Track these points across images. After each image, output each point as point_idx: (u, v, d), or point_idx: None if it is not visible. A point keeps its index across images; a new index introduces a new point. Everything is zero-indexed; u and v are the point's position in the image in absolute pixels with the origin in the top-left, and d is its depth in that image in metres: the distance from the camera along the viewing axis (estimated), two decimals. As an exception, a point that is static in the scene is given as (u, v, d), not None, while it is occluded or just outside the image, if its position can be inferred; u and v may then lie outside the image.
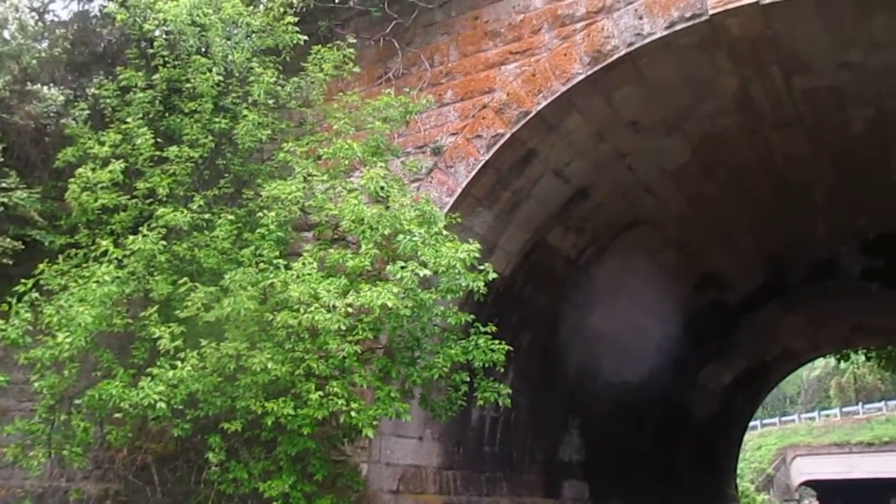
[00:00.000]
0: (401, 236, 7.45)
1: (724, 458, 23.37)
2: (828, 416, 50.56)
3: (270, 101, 9.03)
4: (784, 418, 55.33)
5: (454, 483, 10.04)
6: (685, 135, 10.37)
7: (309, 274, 7.29)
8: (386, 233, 7.58)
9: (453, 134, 9.51)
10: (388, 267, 7.42)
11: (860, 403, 49.78)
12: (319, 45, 9.42)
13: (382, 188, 7.99)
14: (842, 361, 33.34)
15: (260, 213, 8.19)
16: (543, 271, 11.26)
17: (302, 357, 7.31)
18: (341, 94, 9.22)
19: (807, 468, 46.51)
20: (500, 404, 8.35)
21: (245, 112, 8.80)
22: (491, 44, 9.57)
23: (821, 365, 53.06)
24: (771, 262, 14.96)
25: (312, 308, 7.00)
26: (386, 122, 8.91)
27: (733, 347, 18.50)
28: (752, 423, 34.91)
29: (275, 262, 7.70)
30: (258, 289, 7.45)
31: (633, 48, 8.54)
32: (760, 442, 49.44)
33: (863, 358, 28.26)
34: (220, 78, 9.02)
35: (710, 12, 8.15)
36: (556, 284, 11.74)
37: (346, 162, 8.54)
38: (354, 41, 9.59)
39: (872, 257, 14.58)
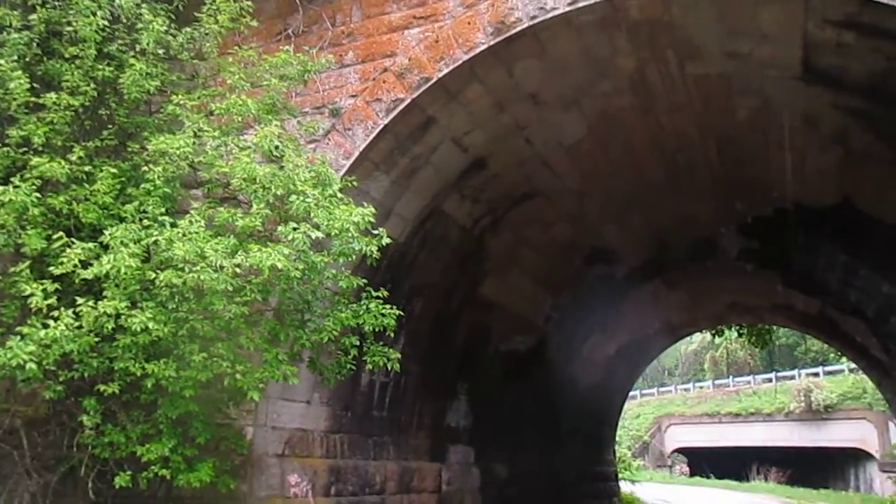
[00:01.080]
0: (294, 197, 7.29)
1: (605, 425, 24.36)
2: (701, 387, 53.49)
3: (160, 51, 8.57)
4: (662, 389, 58.21)
5: (341, 447, 10.04)
6: (582, 111, 10.57)
7: (196, 232, 7.03)
8: (278, 193, 7.39)
9: (353, 96, 9.35)
10: (280, 228, 7.26)
11: (731, 377, 52.90)
12: (216, -5, 9.01)
13: (277, 147, 7.78)
14: (716, 337, 35.32)
15: (145, 168, 7.81)
16: (438, 239, 11.31)
17: (186, 318, 7.08)
18: (237, 48, 8.85)
19: (680, 436, 49.23)
20: (390, 369, 8.37)
21: (132, 61, 8.31)
22: (395, 7, 9.41)
23: (698, 339, 55.98)
24: (657, 240, 15.55)
25: (198, 267, 6.77)
26: (283, 79, 8.64)
27: (618, 320, 19.21)
28: (632, 393, 36.50)
29: (160, 219, 7.39)
30: (141, 246, 7.13)
31: (535, 21, 8.58)
32: (639, 411, 51.89)
33: (735, 334, 29.98)
34: (106, 23, 8.45)
35: (611, -8, 8.27)
36: (451, 252, 11.82)
37: (240, 119, 8.26)
38: (253, -6, 9.23)
39: (749, 239, 15.38)
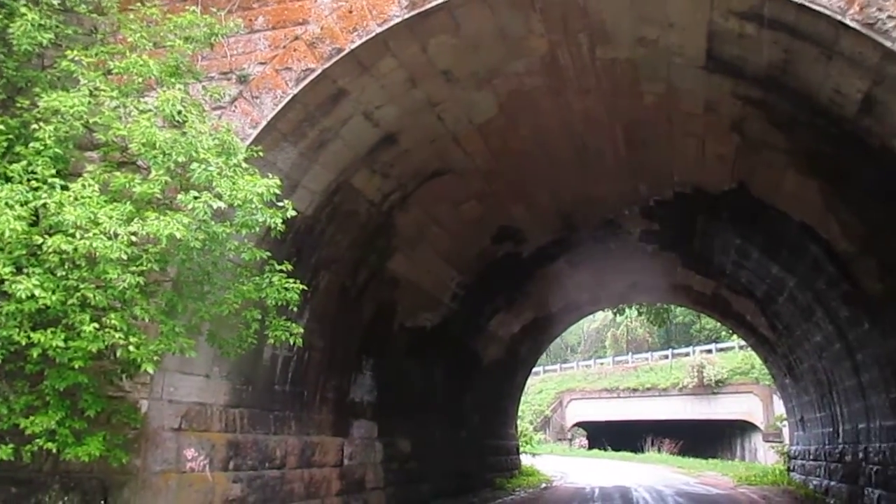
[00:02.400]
0: (196, 165, 7.04)
1: (508, 400, 24.84)
2: (602, 364, 55.21)
3: (55, 2, 8.08)
4: (564, 365, 59.78)
5: (241, 421, 9.86)
6: (494, 90, 10.60)
7: (89, 197, 6.72)
8: (180, 160, 7.12)
9: (262, 63, 9.08)
10: (180, 196, 7.01)
11: (630, 353, 54.77)
12: (117, -53, 8.54)
13: (179, 112, 7.48)
14: (618, 315, 36.50)
15: (35, 126, 7.38)
16: (347, 213, 11.18)
17: (76, 286, 6.76)
18: (140, 4, 8.44)
19: (580, 411, 50.75)
20: (293, 344, 8.25)
21: (23, 10, 7.80)
22: (309, -27, 9.16)
23: (600, 317, 57.58)
24: (563, 220, 15.85)
25: (91, 234, 6.47)
26: (188, 41, 8.29)
27: (523, 298, 19.54)
28: (535, 369, 37.34)
29: (50, 180, 7.03)
30: (28, 209, 6.77)
31: (450, -3, 8.52)
32: (542, 386, 53.16)
33: (636, 313, 31.05)
34: (-6, -33, 7.93)
35: (527, -28, 8.29)
36: (359, 227, 11.71)
37: (141, 80, 7.89)
38: (158, -52, 8.79)
39: (651, 221, 15.87)
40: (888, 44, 7.30)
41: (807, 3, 7.54)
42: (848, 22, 7.42)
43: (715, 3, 8.26)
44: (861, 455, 14.30)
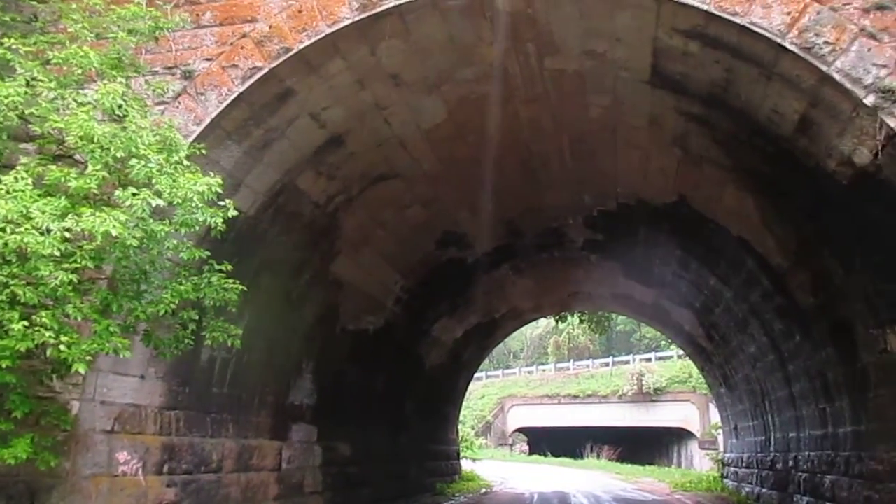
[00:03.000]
0: (135, 161, 6.91)
1: (450, 405, 24.90)
2: (544, 370, 55.74)
3: (-8, -12, 7.85)
4: (507, 371, 60.13)
5: (177, 424, 9.67)
6: (443, 96, 10.64)
7: (21, 190, 6.52)
8: (119, 155, 6.97)
9: (208, 59, 8.95)
10: (118, 193, 6.86)
11: (572, 361, 55.39)
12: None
13: (120, 106, 7.32)
14: (560, 322, 36.86)
15: (-34, 115, 7.13)
16: (290, 214, 11.08)
17: (6, 282, 6.55)
18: (82, -7, 8.24)
19: (521, 416, 51.15)
20: (232, 345, 8.13)
21: (-42, -5, 7.56)
22: (259, -30, 9.06)
23: (543, 324, 58.10)
24: (508, 227, 15.97)
25: (22, 229, 6.27)
26: (132, 34, 8.13)
27: (467, 304, 19.61)
28: (478, 375, 37.51)
29: (-20, 172, 6.78)
30: (-44, 201, 6.51)
31: (402, 2, 8.53)
32: (484, 392, 53.39)
33: (578, 321, 31.42)
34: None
35: (479, -20, 8.34)
36: (303, 229, 11.62)
37: (80, 71, 7.70)
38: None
39: (594, 231, 16.11)
40: (824, 68, 7.57)
41: (748, 25, 7.78)
42: (787, 45, 7.67)
43: (660, 21, 8.46)
44: (791, 463, 14.75)
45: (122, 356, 7.36)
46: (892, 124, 7.39)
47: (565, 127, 11.77)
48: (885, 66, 7.43)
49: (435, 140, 11.76)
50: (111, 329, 7.06)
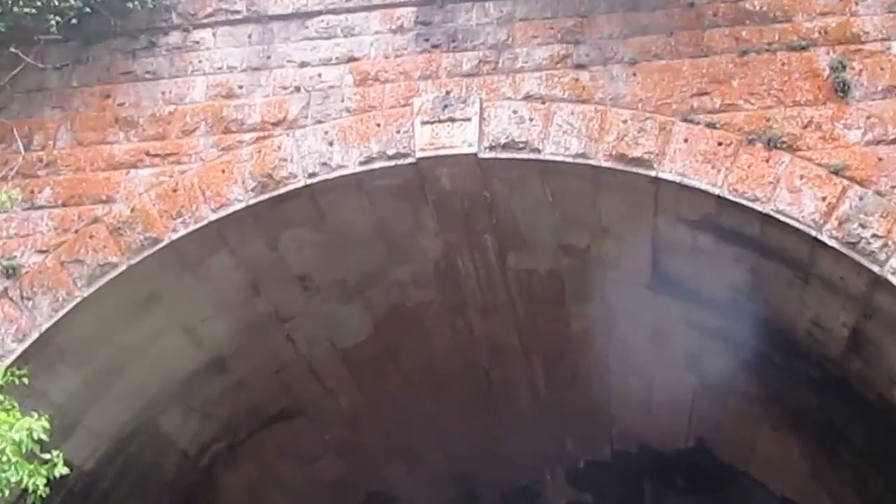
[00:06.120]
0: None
1: None
2: None
3: None
4: None
5: None
6: (368, 304, 10.81)
7: None
8: None
9: (42, 251, 9.04)
10: None
11: None
12: None
13: None
14: None
15: None
16: (147, 469, 10.80)
17: None
18: None
19: None
20: None
21: None
22: (122, 135, 9.41)
23: None
24: (459, 486, 15.66)
25: None
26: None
27: None
28: None
29: None
30: None
31: (315, 180, 8.85)
32: None
33: None
34: None
35: (419, 155, 8.73)
36: (164, 489, 11.27)
37: None
38: None
39: (580, 489, 15.88)
40: (875, 268, 7.77)
41: (772, 213, 8.05)
42: (825, 239, 7.91)
43: (659, 207, 8.81)
44: None
45: None
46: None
47: (538, 345, 11.94)
48: (954, 266, 7.72)
49: (357, 364, 11.78)
50: None
